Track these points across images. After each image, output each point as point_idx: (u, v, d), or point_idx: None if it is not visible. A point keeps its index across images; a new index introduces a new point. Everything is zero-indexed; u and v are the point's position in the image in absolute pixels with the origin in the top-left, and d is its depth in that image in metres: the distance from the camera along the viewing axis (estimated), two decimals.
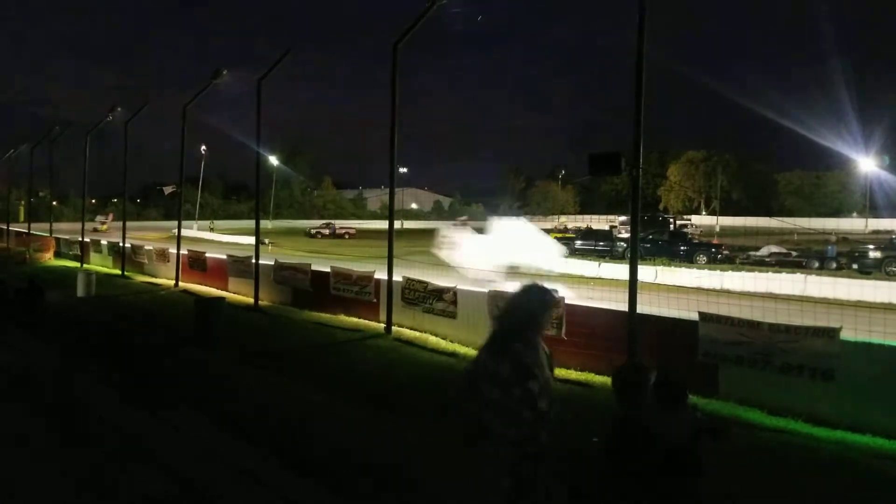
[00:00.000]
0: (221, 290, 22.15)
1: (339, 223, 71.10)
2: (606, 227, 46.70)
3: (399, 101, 15.68)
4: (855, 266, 27.07)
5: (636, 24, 10.32)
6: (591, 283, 21.66)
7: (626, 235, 33.29)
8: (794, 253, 30.92)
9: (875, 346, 8.67)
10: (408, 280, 15.45)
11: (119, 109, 30.53)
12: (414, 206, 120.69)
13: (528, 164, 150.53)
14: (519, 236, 19.20)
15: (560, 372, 11.08)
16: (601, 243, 35.96)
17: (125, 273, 28.26)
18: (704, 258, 31.66)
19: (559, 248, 20.16)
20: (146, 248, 29.45)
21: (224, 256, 23.55)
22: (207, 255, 24.91)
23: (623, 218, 46.48)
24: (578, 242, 36.75)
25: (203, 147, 76.00)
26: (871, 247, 28.55)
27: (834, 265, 28.54)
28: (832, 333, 8.70)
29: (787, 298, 19.12)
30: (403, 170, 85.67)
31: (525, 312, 3.99)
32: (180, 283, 24.33)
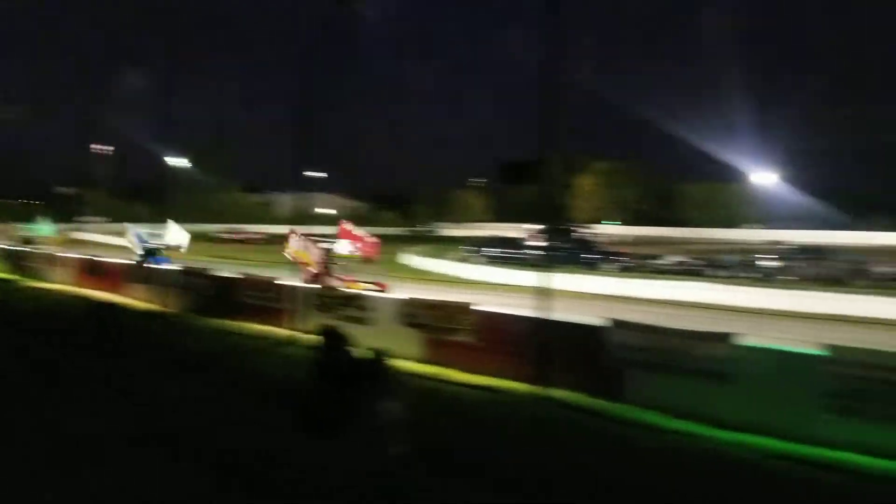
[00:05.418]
0: (120, 295, 21.05)
1: (247, 228, 69.42)
2: (515, 235, 47.26)
3: (310, 105, 15.40)
4: (752, 274, 28.35)
5: (540, 37, 10.49)
6: (499, 291, 21.86)
7: (535, 243, 33.75)
8: (694, 261, 31.95)
9: (770, 350, 9.06)
10: (321, 287, 15.12)
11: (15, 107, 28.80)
12: (333, 211, 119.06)
13: (443, 172, 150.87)
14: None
15: (473, 378, 11.13)
16: (510, 251, 36.30)
17: (17, 279, 26.57)
18: (610, 266, 32.40)
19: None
20: (39, 252, 27.83)
21: (123, 261, 22.49)
22: (105, 259, 23.74)
23: (529, 226, 47.16)
24: (489, 251, 37.14)
25: (102, 147, 72.52)
26: (767, 256, 29.89)
27: (733, 274, 29.83)
28: (728, 338, 9.09)
29: (691, 305, 19.80)
30: (320, 174, 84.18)
31: None
32: (77, 289, 23.03)
